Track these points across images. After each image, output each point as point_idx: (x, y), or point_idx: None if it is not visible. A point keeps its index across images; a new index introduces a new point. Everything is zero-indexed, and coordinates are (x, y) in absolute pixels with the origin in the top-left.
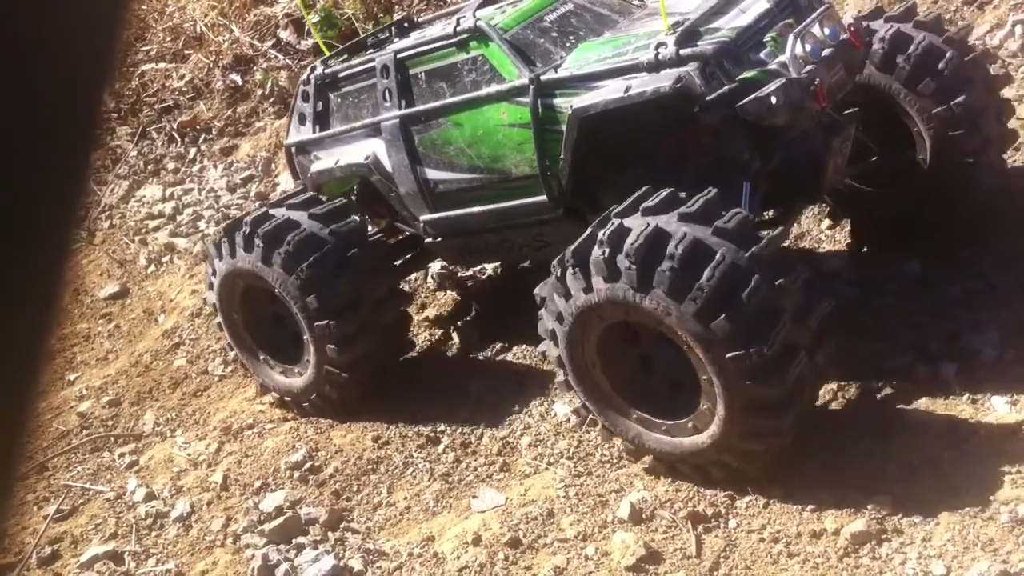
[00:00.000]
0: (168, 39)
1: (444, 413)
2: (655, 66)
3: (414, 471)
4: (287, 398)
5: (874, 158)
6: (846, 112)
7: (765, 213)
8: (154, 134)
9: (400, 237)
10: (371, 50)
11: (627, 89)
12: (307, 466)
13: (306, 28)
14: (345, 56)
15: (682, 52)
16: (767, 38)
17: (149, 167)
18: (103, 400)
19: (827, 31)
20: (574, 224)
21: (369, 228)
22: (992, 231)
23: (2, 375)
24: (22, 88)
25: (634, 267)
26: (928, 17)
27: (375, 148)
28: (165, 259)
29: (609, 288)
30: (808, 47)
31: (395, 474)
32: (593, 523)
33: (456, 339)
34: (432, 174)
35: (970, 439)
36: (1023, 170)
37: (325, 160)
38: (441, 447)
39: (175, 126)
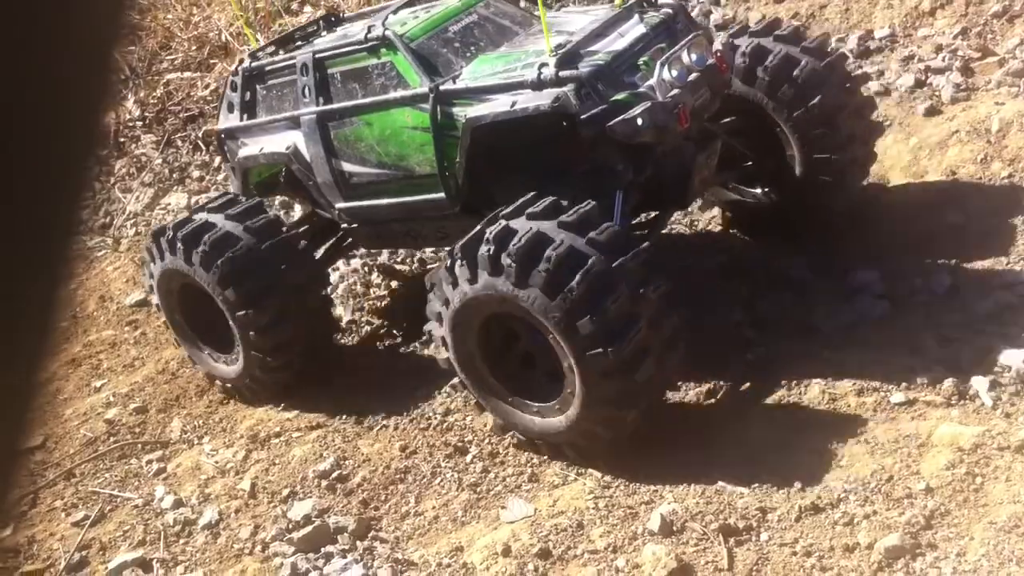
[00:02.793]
0: (193, 48)
1: (471, 422)
2: (538, 84)
3: (442, 481)
4: (227, 384)
5: (749, 163)
6: (721, 122)
7: (640, 216)
8: (179, 142)
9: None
10: (300, 43)
11: (513, 104)
12: (335, 475)
13: None
14: (273, 49)
15: (561, 74)
16: (641, 61)
17: (174, 175)
18: (130, 407)
19: (694, 57)
20: (471, 219)
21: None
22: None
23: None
24: (22, 95)
25: (515, 265)
26: (787, 30)
27: (295, 139)
28: None
29: (491, 281)
30: (675, 72)
31: (423, 484)
32: (623, 535)
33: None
34: (346, 166)
35: (1004, 454)
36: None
37: (251, 147)
38: (469, 457)
39: (200, 134)
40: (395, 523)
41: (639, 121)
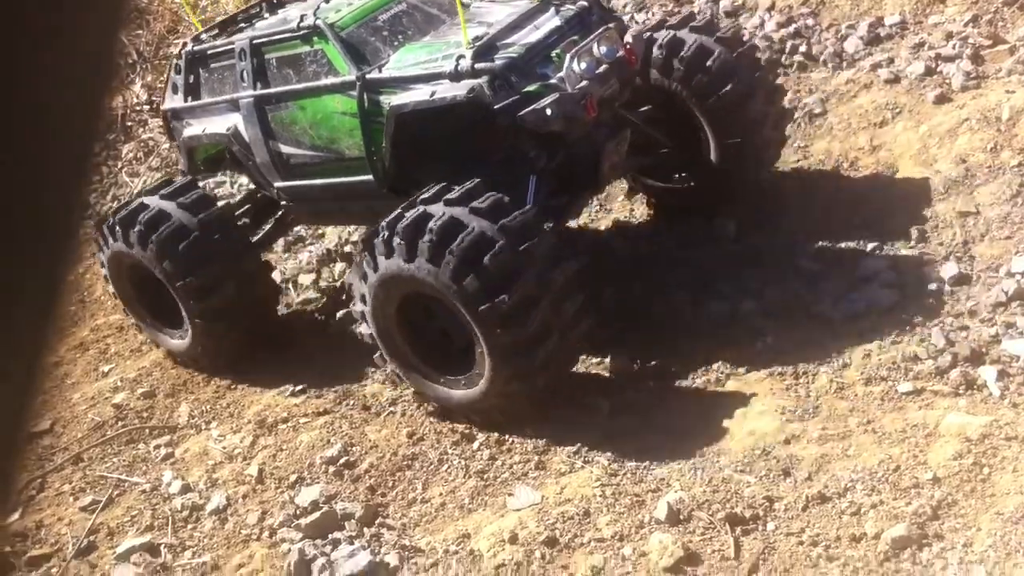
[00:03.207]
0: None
1: None
2: (455, 76)
3: (449, 468)
4: (179, 357)
5: (665, 150)
6: (638, 111)
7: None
8: None
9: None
10: (242, 25)
11: (432, 93)
12: (342, 461)
13: None
14: (217, 32)
15: (477, 66)
16: (554, 54)
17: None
18: (138, 392)
19: (604, 50)
20: (399, 200)
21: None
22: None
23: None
24: (27, 78)
25: (403, 243)
26: (701, 22)
27: (236, 121)
28: None
29: (389, 263)
30: (584, 65)
31: (430, 470)
32: (630, 523)
33: None
34: (283, 148)
35: (1012, 444)
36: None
37: (195, 127)
38: (476, 444)
39: None
40: (402, 510)
41: (548, 111)
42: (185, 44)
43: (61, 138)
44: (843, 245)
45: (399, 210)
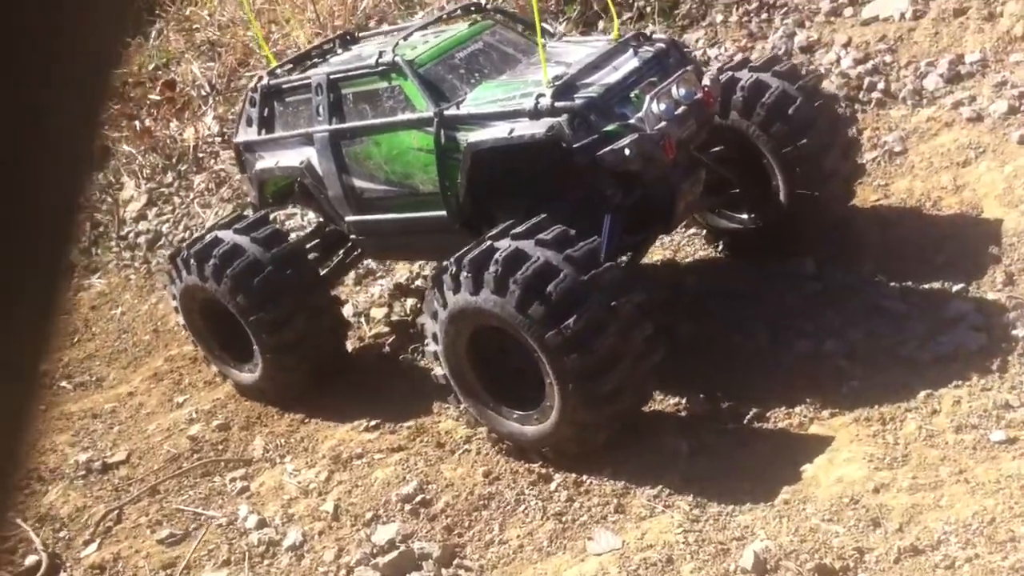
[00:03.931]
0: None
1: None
2: (535, 114)
3: (526, 509)
4: (247, 391)
5: (735, 190)
6: (710, 151)
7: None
8: None
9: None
10: (316, 61)
11: (511, 131)
12: (418, 499)
13: None
14: (291, 67)
15: (557, 104)
16: (633, 94)
17: None
18: (213, 424)
19: (682, 92)
20: (471, 237)
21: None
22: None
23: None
24: (22, 89)
25: (469, 276)
26: (785, 67)
27: (309, 155)
28: None
29: (457, 298)
30: (663, 106)
31: (507, 511)
32: (715, 572)
33: None
34: (355, 182)
35: None
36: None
37: (267, 160)
38: (553, 485)
39: None
40: (479, 551)
41: (627, 151)
42: (260, 78)
43: (61, 137)
44: (927, 286)
45: (468, 247)
